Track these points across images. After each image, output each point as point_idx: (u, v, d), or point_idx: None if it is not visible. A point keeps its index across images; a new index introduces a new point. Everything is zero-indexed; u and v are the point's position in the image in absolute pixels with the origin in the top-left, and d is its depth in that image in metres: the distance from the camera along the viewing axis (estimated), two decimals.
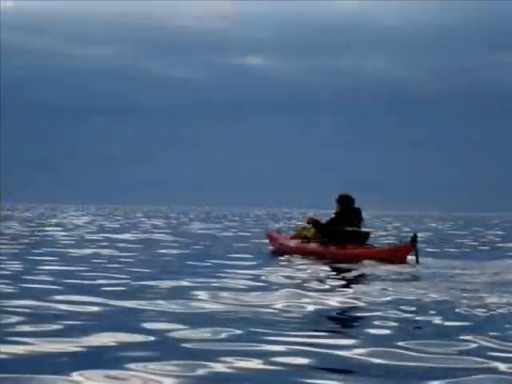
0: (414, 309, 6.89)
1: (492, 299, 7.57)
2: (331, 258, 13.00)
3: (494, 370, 4.49)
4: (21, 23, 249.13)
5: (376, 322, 6.10)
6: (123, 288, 8.15)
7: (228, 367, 4.42)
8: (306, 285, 8.74)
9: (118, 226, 30.77)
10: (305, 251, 13.85)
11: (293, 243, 14.41)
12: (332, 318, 6.47)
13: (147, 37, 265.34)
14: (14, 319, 5.83)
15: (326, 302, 7.29)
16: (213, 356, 4.65)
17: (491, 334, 5.58)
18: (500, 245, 21.32)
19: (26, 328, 5.48)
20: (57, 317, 6.01)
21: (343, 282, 9.30)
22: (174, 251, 14.69)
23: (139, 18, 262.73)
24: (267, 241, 16.45)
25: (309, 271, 10.67)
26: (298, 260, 12.91)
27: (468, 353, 4.95)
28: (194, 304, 6.93)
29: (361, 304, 7.23)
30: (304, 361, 4.62)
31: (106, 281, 8.78)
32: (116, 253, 13.74)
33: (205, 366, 4.41)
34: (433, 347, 5.06)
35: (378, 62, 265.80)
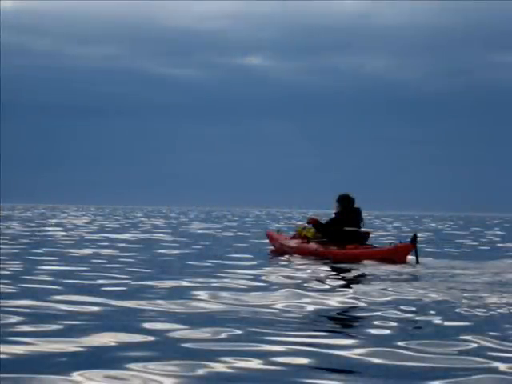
0: (414, 309, 6.88)
1: (492, 299, 7.57)
2: (331, 258, 13.00)
3: (494, 370, 4.49)
4: (21, 23, 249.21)
5: (376, 322, 6.09)
6: (123, 288, 8.15)
7: (228, 367, 4.42)
8: (305, 285, 8.73)
9: (118, 225, 30.76)
10: (305, 251, 13.84)
11: (293, 243, 14.40)
12: (332, 318, 6.47)
13: (147, 37, 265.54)
14: (14, 319, 5.83)
15: (326, 301, 7.29)
16: (213, 356, 4.65)
17: (491, 333, 5.58)
18: (500, 245, 21.32)
19: (26, 328, 5.48)
20: (57, 317, 6.01)
21: (343, 282, 9.30)
22: (174, 251, 14.68)
23: (139, 17, 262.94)
24: (267, 241, 16.45)
25: (309, 271, 10.66)
26: (297, 260, 12.91)
27: (468, 353, 4.94)
28: (194, 304, 6.93)
29: (361, 304, 7.23)
30: (304, 361, 4.62)
31: (106, 281, 8.78)
32: (116, 253, 13.74)
33: (205, 366, 4.41)
34: (433, 347, 5.06)
35: (377, 62, 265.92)
